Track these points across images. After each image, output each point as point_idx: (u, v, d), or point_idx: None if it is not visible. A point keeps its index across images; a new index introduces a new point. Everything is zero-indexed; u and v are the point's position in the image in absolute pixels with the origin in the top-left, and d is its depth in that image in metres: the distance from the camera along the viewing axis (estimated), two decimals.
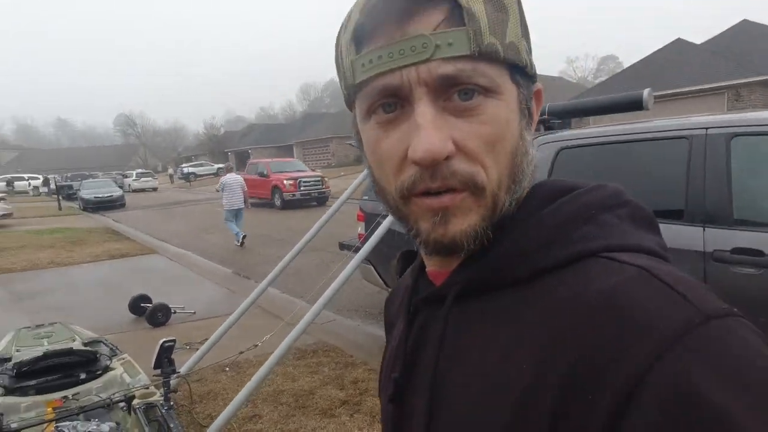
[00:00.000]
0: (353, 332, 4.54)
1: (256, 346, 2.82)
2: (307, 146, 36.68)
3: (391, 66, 0.36)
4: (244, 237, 8.91)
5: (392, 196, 0.40)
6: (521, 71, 0.40)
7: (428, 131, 0.36)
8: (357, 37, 0.38)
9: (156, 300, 5.02)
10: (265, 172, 16.12)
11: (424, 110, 0.36)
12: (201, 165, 40.08)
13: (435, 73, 0.36)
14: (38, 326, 3.65)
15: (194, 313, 5.13)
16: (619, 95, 3.22)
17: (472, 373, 0.39)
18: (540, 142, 3.09)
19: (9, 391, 2.49)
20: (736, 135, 2.30)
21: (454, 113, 0.37)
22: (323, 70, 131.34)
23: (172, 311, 4.91)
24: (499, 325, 0.39)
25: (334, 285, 2.99)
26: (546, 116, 3.92)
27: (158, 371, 2.54)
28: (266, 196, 15.74)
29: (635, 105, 2.94)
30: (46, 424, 2.17)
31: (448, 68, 0.36)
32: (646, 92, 2.86)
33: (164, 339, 2.57)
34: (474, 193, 0.38)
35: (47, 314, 4.74)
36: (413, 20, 0.36)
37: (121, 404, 2.43)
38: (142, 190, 28.59)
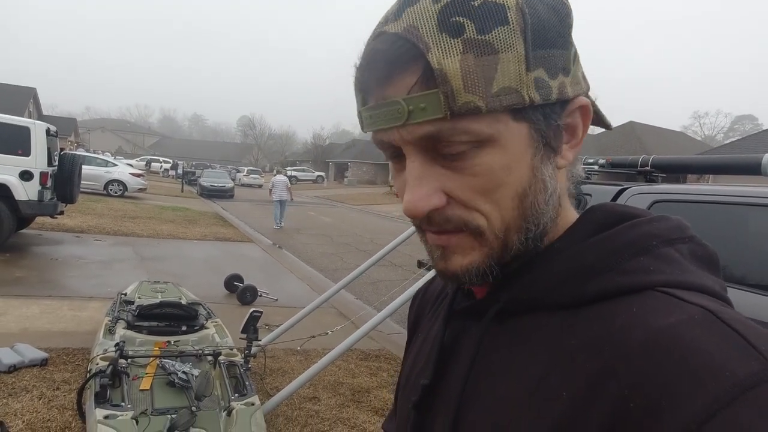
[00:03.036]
0: None
1: (326, 334, 3.10)
2: None
3: (380, 126, 0.38)
4: (280, 225, 12.15)
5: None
6: (534, 106, 0.36)
7: (411, 189, 0.37)
8: (357, 90, 0.40)
9: (247, 281, 5.61)
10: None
11: (411, 166, 0.37)
12: (303, 170, 43.04)
13: (415, 134, 0.36)
14: (156, 282, 4.36)
15: (277, 299, 5.63)
16: (736, 156, 3.04)
17: (504, 392, 0.38)
18: (634, 192, 3.05)
19: (130, 327, 3.04)
20: None
21: (444, 164, 0.37)
22: None
23: (259, 294, 5.46)
24: (538, 348, 0.38)
25: (401, 297, 3.19)
26: (649, 167, 3.79)
27: (243, 337, 2.93)
28: None
29: (752, 169, 2.74)
30: (152, 358, 2.63)
31: (426, 129, 0.36)
32: (765, 157, 2.69)
33: (254, 309, 2.96)
34: (473, 235, 0.38)
35: (162, 275, 5.54)
36: (391, 84, 0.36)
37: (209, 358, 2.85)
38: (250, 186, 31.48)
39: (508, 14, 0.35)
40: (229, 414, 2.17)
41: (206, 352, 2.89)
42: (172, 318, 3.16)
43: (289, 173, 39.63)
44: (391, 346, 4.46)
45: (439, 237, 0.39)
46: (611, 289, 0.36)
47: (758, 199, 2.51)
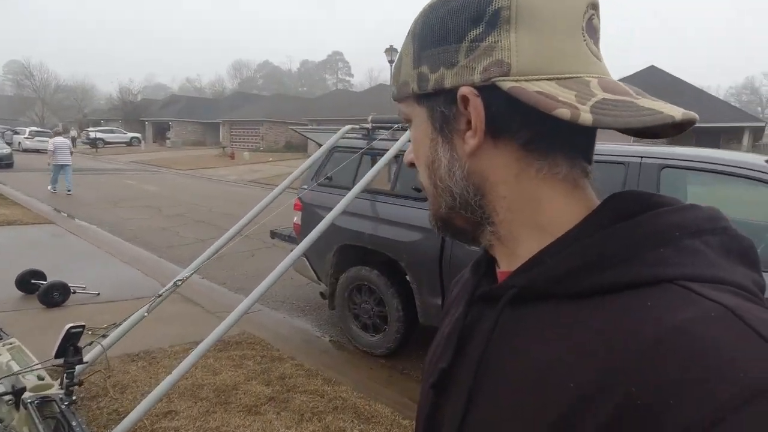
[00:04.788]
0: (279, 325, 4.37)
1: (159, 296, 2.47)
2: (235, 126, 34.89)
3: None
4: (69, 191, 11.52)
5: None
6: (426, 95, 0.44)
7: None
8: None
9: (52, 278, 4.43)
10: None
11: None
12: (112, 131, 36.43)
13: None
14: None
15: (98, 294, 4.61)
16: None
17: (513, 377, 0.39)
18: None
19: None
20: (666, 167, 2.53)
21: None
22: (258, 50, 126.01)
23: (72, 290, 4.37)
24: (550, 336, 0.38)
25: (271, 277, 2.82)
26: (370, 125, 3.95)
27: (58, 365, 2.20)
28: None
29: None
30: None
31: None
32: None
33: (71, 324, 2.23)
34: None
35: None
36: None
37: (7, 397, 2.07)
38: (37, 151, 25.23)
39: (411, 27, 0.46)
40: None
41: (1, 392, 2.10)
42: None
43: (92, 135, 33.26)
44: (252, 327, 4.04)
45: None
46: (627, 280, 0.36)
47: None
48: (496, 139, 0.41)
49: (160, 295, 2.45)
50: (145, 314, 2.36)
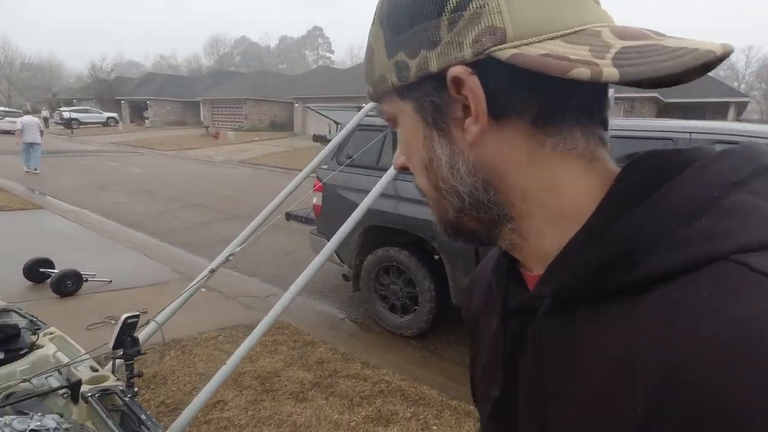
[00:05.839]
0: (301, 308, 4.30)
1: (212, 271, 2.40)
2: (217, 105, 33.88)
3: None
4: (35, 169, 11.65)
5: None
6: (408, 86, 0.38)
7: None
8: None
9: (61, 266, 4.25)
10: None
11: None
12: (87, 111, 34.95)
13: None
14: None
15: (110, 281, 4.45)
16: None
17: (577, 395, 0.35)
18: None
19: None
20: (718, 141, 2.51)
21: None
22: (234, 25, 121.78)
23: (85, 278, 4.20)
24: (599, 343, 0.33)
25: (311, 268, 2.71)
26: None
27: (116, 356, 2.11)
28: None
29: None
30: None
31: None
32: (610, 92, 3.00)
33: (127, 314, 2.12)
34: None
35: None
36: None
37: (64, 392, 1.97)
38: (7, 133, 24.08)
39: (374, 12, 0.40)
40: None
41: (55, 386, 1.99)
42: None
43: (66, 114, 31.91)
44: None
45: None
46: (668, 269, 0.30)
47: (630, 132, 2.79)
48: (501, 120, 0.35)
49: (212, 270, 2.39)
50: (203, 289, 2.33)
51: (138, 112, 38.87)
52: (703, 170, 0.32)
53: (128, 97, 39.06)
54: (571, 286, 0.35)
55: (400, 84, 0.38)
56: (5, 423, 1.69)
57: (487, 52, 0.33)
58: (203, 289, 2.35)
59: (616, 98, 17.70)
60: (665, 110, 18.47)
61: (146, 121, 36.26)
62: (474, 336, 0.53)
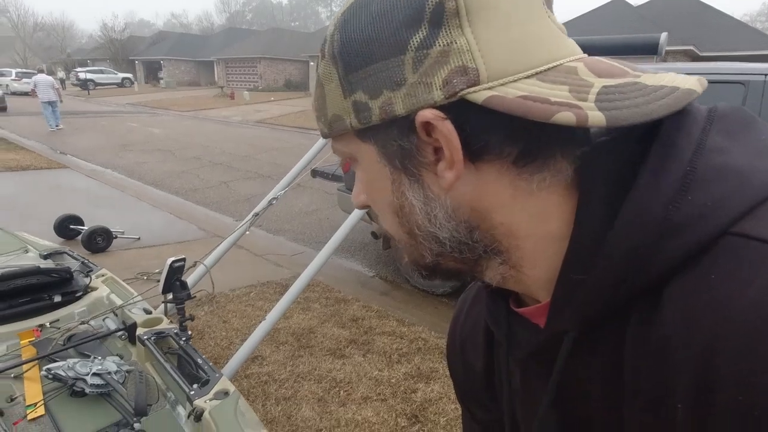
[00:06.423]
0: (331, 267, 4.25)
1: (256, 214, 2.41)
2: (231, 64, 33.31)
3: None
4: (58, 126, 11.99)
5: None
6: (370, 128, 0.34)
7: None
8: None
9: (90, 222, 4.25)
10: None
11: None
12: (102, 72, 34.74)
13: None
14: None
15: (139, 238, 4.46)
16: (635, 36, 3.08)
17: (614, 417, 0.34)
18: None
19: None
20: None
21: None
22: None
23: (114, 235, 4.20)
24: (641, 360, 0.31)
25: (345, 226, 2.62)
26: None
27: (167, 300, 2.09)
28: None
29: (650, 48, 2.82)
30: (28, 365, 1.65)
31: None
32: (663, 36, 2.75)
33: (172, 258, 2.08)
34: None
35: None
36: None
37: (119, 333, 1.94)
38: (25, 94, 24.08)
39: (325, 47, 0.35)
40: (198, 418, 1.47)
41: (113, 328, 1.97)
42: (34, 289, 2.05)
43: (82, 75, 31.75)
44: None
45: None
46: (677, 259, 0.29)
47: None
48: (479, 162, 0.33)
49: (256, 214, 2.39)
50: (247, 232, 2.45)
51: (152, 72, 38.55)
52: (664, 148, 0.31)
53: (142, 57, 38.65)
54: (594, 313, 0.33)
55: (361, 126, 0.35)
56: (69, 366, 1.68)
57: (459, 94, 0.30)
58: (247, 232, 2.38)
59: None
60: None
61: (161, 81, 35.94)
62: (471, 391, 0.52)
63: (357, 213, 2.74)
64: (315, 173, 4.87)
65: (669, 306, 0.29)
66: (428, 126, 0.32)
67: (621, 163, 0.32)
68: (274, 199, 2.37)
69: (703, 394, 0.27)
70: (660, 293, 0.30)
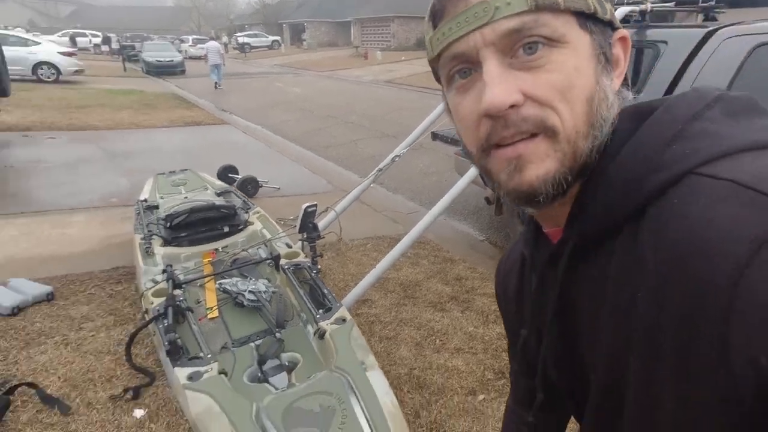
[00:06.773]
0: (441, 227, 4.44)
1: (380, 169, 2.76)
2: (365, 24, 34.14)
3: (458, 34, 0.41)
4: (219, 85, 14.19)
5: (475, 154, 0.44)
6: (592, 18, 0.41)
7: (493, 85, 0.39)
8: (432, 17, 0.44)
9: (242, 172, 5.04)
10: None
11: (489, 68, 0.40)
12: (256, 35, 38.53)
13: (499, 31, 0.39)
14: (171, 173, 3.85)
15: (279, 188, 5.16)
16: None
17: (605, 322, 0.42)
18: (728, 35, 2.49)
19: (167, 242, 2.61)
20: None
21: (522, 68, 0.40)
22: None
23: (260, 184, 4.94)
24: (621, 268, 0.40)
25: (455, 189, 2.76)
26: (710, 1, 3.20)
27: (302, 237, 2.63)
28: None
29: None
30: (207, 278, 2.26)
31: (510, 23, 0.39)
32: None
33: (307, 204, 2.57)
34: (549, 137, 0.40)
35: (141, 174, 4.87)
36: None
37: (268, 261, 2.48)
38: (198, 58, 28.07)
39: None
40: (321, 337, 1.87)
41: (264, 256, 2.53)
42: (211, 220, 2.75)
43: (241, 39, 35.50)
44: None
45: (514, 148, 0.41)
46: (656, 189, 0.38)
47: None
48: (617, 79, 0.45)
49: (380, 170, 2.70)
50: (372, 185, 2.89)
51: (296, 34, 41.38)
52: (667, 112, 0.41)
53: (288, 21, 41.62)
54: (596, 227, 0.42)
55: (600, 15, 0.41)
56: (233, 283, 2.25)
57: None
58: (372, 185, 2.75)
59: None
60: None
61: (304, 43, 38.53)
62: (509, 316, 0.63)
63: (468, 175, 2.85)
64: (435, 136, 5.00)
65: (645, 222, 0.38)
66: (624, 42, 0.44)
67: (640, 115, 0.43)
68: (396, 156, 2.62)
69: (661, 277, 0.36)
70: (643, 215, 0.39)
